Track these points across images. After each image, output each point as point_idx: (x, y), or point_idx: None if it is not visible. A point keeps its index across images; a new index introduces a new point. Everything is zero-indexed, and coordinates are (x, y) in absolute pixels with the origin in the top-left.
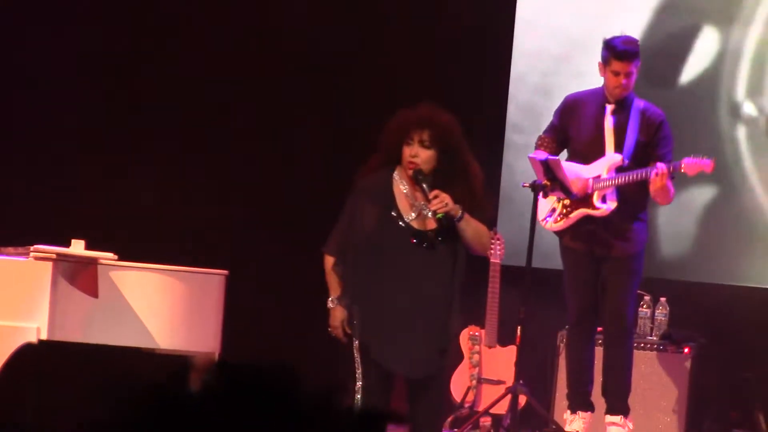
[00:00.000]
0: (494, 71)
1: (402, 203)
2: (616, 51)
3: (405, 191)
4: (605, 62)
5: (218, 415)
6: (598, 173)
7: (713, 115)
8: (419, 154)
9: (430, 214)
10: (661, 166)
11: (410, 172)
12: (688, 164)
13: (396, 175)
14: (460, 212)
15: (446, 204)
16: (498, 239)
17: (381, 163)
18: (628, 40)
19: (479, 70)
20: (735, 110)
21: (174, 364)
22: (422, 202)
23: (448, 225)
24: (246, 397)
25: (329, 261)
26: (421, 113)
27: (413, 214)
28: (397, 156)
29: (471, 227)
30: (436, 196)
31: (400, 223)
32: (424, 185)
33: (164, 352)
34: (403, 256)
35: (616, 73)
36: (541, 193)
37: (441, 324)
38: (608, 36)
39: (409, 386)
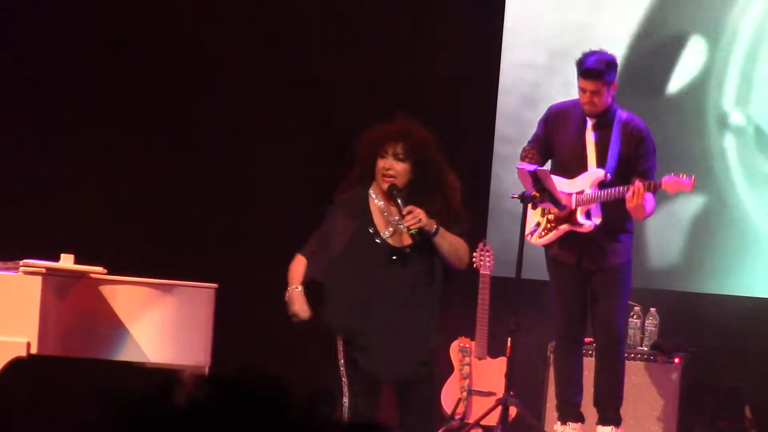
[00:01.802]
0: (482, 83)
1: (378, 220)
2: (581, 68)
3: (380, 206)
4: (577, 77)
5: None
6: (581, 188)
7: (701, 124)
8: (393, 167)
9: (405, 229)
10: (637, 185)
11: (385, 186)
12: (668, 182)
13: (371, 191)
14: (434, 227)
15: (420, 219)
16: (487, 250)
17: (358, 177)
18: (598, 59)
19: (467, 82)
20: (723, 120)
21: (164, 378)
22: (397, 218)
23: (423, 240)
24: (233, 410)
25: (300, 260)
26: (394, 126)
27: (389, 231)
28: (372, 169)
29: (447, 241)
30: (410, 212)
31: (377, 240)
32: (399, 201)
33: (154, 366)
34: (380, 272)
35: (582, 90)
36: (530, 204)
37: (421, 338)
38: (590, 48)
39: (397, 396)
